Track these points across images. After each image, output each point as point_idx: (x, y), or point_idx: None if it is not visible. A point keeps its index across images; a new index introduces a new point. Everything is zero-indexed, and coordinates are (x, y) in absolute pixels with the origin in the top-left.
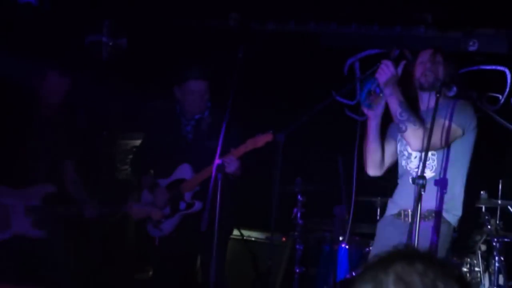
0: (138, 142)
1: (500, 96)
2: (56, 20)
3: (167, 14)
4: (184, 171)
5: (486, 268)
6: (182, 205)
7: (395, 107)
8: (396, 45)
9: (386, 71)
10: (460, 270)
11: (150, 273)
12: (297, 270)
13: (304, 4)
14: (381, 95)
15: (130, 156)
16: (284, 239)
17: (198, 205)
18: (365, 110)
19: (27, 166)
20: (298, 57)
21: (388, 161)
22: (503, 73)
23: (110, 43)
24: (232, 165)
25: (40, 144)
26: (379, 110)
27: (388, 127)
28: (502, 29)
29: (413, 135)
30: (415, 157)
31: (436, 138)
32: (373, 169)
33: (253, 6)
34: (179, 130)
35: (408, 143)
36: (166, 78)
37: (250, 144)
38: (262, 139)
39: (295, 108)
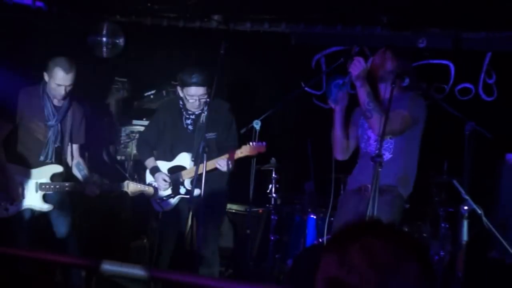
0: (136, 128)
1: (446, 86)
2: (62, 22)
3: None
4: (184, 159)
5: (434, 234)
6: (182, 190)
7: (364, 97)
8: (357, 43)
9: (358, 66)
10: (417, 239)
11: (145, 241)
12: (272, 238)
13: (277, 7)
14: (346, 89)
15: (128, 140)
16: (260, 211)
17: (196, 192)
18: (332, 105)
19: (39, 149)
20: (271, 53)
21: (352, 145)
22: (448, 66)
23: (109, 42)
24: (227, 167)
25: (50, 130)
26: (344, 104)
27: (351, 115)
28: (446, 29)
29: (377, 122)
30: (374, 141)
31: (395, 125)
32: (341, 154)
33: (233, 9)
34: (181, 122)
35: (372, 129)
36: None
37: (245, 151)
38: (256, 150)
39: (269, 98)
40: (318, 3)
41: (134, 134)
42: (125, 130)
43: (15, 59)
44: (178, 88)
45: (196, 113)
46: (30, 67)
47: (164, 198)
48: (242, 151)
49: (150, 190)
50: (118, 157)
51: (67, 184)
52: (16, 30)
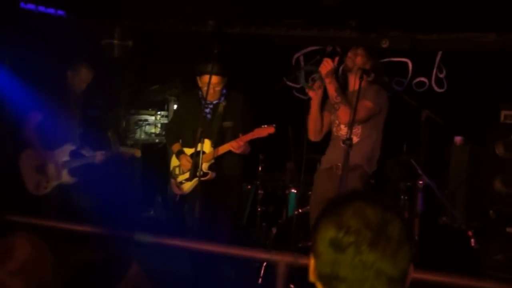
0: (142, 116)
1: (404, 80)
2: (80, 27)
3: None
4: (203, 145)
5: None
6: (199, 172)
7: (332, 92)
8: (330, 43)
9: (327, 66)
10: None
11: (152, 212)
12: (259, 209)
13: (262, 14)
14: (321, 82)
15: (136, 127)
16: (249, 186)
17: (212, 175)
18: (310, 92)
19: (60, 134)
20: (258, 53)
21: (325, 129)
22: (406, 63)
23: (120, 44)
24: (240, 149)
25: (69, 119)
26: (319, 92)
27: (325, 104)
28: (405, 31)
29: (343, 113)
30: (344, 126)
31: (361, 114)
32: (315, 136)
33: (224, 16)
34: (200, 111)
35: (340, 118)
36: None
37: (256, 133)
38: (266, 130)
39: (256, 91)
40: (297, 10)
41: (141, 122)
42: (133, 119)
43: (40, 59)
44: (196, 78)
45: (214, 102)
46: (53, 66)
47: (183, 181)
48: (254, 134)
49: (137, 152)
50: (128, 142)
51: (82, 159)
52: (41, 35)
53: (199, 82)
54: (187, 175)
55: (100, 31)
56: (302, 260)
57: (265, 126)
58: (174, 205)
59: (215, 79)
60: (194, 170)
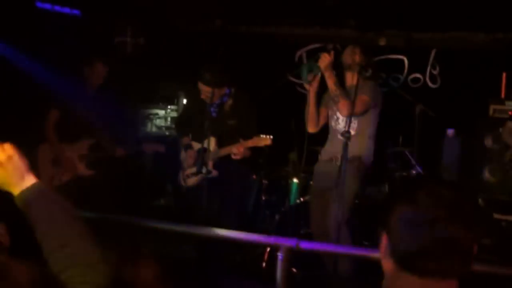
0: (153, 111)
1: (400, 76)
2: (94, 25)
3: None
4: (209, 142)
5: None
6: (204, 169)
7: (332, 85)
8: (331, 41)
9: (325, 60)
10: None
11: (162, 201)
12: (263, 198)
13: (266, 13)
14: (318, 75)
15: (147, 121)
16: (254, 176)
17: (214, 173)
18: (307, 86)
19: (78, 128)
20: (262, 50)
21: (321, 122)
22: (402, 60)
23: (132, 42)
24: (240, 155)
25: (85, 113)
26: (315, 85)
27: (321, 98)
28: (401, 30)
29: (343, 105)
30: (342, 120)
31: (358, 108)
32: (312, 127)
33: (231, 15)
34: (206, 109)
35: (339, 111)
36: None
37: (255, 142)
38: (264, 141)
39: (261, 86)
40: (300, 10)
41: (152, 116)
42: (144, 113)
43: (56, 57)
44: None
45: (217, 102)
46: (69, 63)
47: (190, 175)
48: (253, 142)
49: (161, 148)
50: (140, 135)
51: (99, 152)
52: (57, 33)
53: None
54: (193, 169)
55: (113, 29)
56: (303, 245)
57: (264, 136)
58: (182, 195)
59: (205, 87)
60: (199, 167)
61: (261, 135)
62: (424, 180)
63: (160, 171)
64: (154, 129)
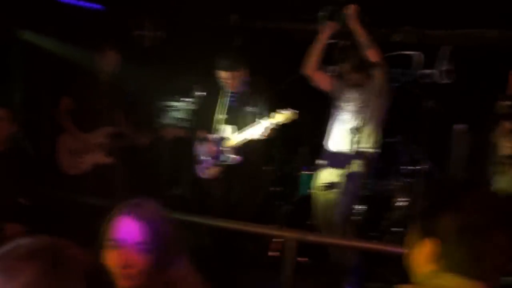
0: (169, 103)
1: (412, 72)
2: (115, 19)
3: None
4: (226, 131)
5: (399, 186)
6: (222, 158)
7: (361, 31)
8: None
9: (352, 8)
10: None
11: (178, 190)
12: (273, 189)
13: (281, 9)
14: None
15: (162, 113)
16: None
17: (236, 159)
18: (321, 27)
19: (94, 117)
20: (277, 46)
21: (319, 74)
22: (412, 56)
23: (150, 35)
24: (265, 134)
25: (100, 101)
26: (329, 33)
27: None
28: (414, 27)
29: (373, 52)
30: (348, 112)
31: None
32: (309, 68)
33: (247, 10)
34: (224, 99)
35: (370, 57)
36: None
37: (280, 118)
38: (291, 116)
39: (275, 81)
40: (314, 6)
41: (167, 108)
42: (160, 105)
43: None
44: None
45: (237, 91)
46: (87, 55)
47: (209, 166)
48: (278, 118)
49: (181, 132)
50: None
51: (119, 140)
52: (80, 25)
53: (218, 75)
54: (211, 160)
55: (133, 22)
56: (309, 237)
57: (287, 111)
58: (199, 186)
59: (225, 74)
60: (219, 155)
61: (286, 110)
62: (466, 185)
63: (176, 161)
64: (169, 121)
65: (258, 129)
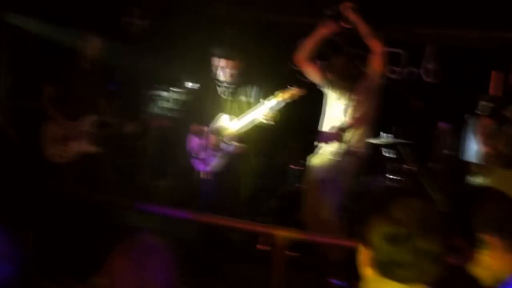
0: (157, 92)
1: (397, 69)
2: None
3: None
4: (223, 121)
5: (386, 182)
6: (225, 147)
7: (363, 24)
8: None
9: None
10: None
11: (163, 182)
12: (261, 181)
13: (270, 2)
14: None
15: (151, 102)
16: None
17: (240, 147)
18: (322, 23)
19: (77, 104)
20: (265, 37)
21: (309, 70)
22: (399, 53)
23: (138, 23)
24: (269, 116)
25: (83, 89)
26: (329, 30)
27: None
28: (399, 25)
29: (376, 42)
30: (339, 110)
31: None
32: (299, 58)
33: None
34: (219, 90)
35: (373, 47)
36: None
37: (286, 95)
38: (297, 92)
39: (264, 73)
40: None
41: (155, 97)
42: (148, 94)
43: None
44: (212, 59)
45: (231, 82)
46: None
47: (209, 158)
48: (283, 95)
49: (166, 122)
50: (144, 116)
51: (105, 128)
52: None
53: (213, 62)
54: (212, 151)
55: (121, 10)
56: (296, 234)
57: (292, 88)
58: (197, 181)
59: (225, 62)
60: (219, 145)
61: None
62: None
63: (163, 152)
64: (156, 110)
65: (261, 111)
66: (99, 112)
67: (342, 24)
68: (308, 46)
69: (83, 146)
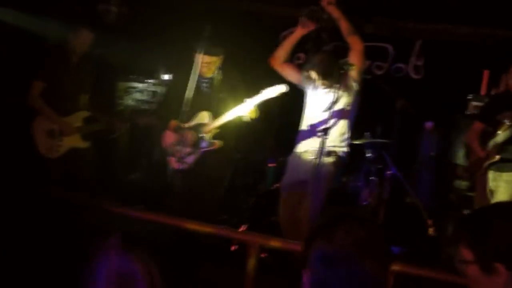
0: (132, 84)
1: (384, 65)
2: None
3: None
4: (204, 117)
5: (366, 183)
6: (204, 144)
7: (345, 21)
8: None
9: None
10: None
11: (137, 175)
12: (238, 179)
13: None
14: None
15: (125, 94)
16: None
17: (218, 144)
18: (300, 23)
19: (67, 99)
20: (247, 29)
21: (286, 72)
22: (387, 48)
23: (116, 11)
24: (252, 113)
25: (73, 83)
26: (305, 31)
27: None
28: (387, 18)
29: (356, 39)
30: (318, 109)
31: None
32: (275, 62)
33: None
34: (198, 86)
35: (353, 44)
36: None
37: (266, 94)
38: (279, 90)
39: (240, 69)
40: None
41: (130, 89)
42: (123, 85)
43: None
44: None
45: (209, 77)
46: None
47: (186, 155)
48: (264, 94)
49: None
50: (120, 108)
51: (95, 124)
52: None
53: (195, 58)
54: (189, 148)
55: None
56: (272, 242)
57: (277, 86)
58: (171, 179)
59: (207, 58)
60: (198, 142)
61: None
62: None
63: (136, 146)
64: (131, 102)
65: (243, 109)
66: (88, 107)
67: (320, 23)
68: (284, 48)
69: (76, 142)
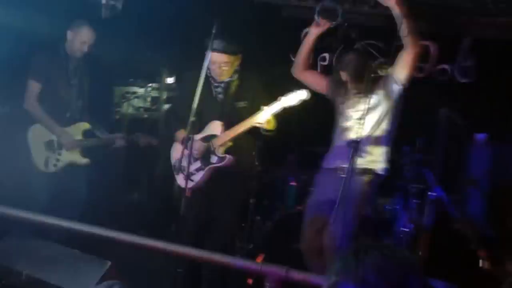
0: (131, 89)
1: (425, 66)
2: None
3: None
4: (215, 128)
5: (405, 207)
6: (214, 159)
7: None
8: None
9: None
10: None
11: (135, 195)
12: (251, 201)
13: None
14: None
15: (123, 100)
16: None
17: (230, 159)
18: (313, 27)
19: (65, 107)
20: (265, 25)
21: (310, 81)
22: (428, 46)
23: (108, 4)
24: (269, 124)
25: (73, 88)
26: (320, 30)
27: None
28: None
29: (415, 40)
30: (352, 119)
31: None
32: (297, 71)
33: None
34: (210, 91)
35: (411, 46)
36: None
37: (284, 102)
38: (299, 97)
39: (258, 68)
40: None
41: (128, 95)
42: (120, 91)
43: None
44: (206, 55)
45: (226, 81)
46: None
47: (194, 171)
48: (284, 101)
49: (155, 141)
50: (116, 117)
51: (96, 139)
52: None
53: (207, 59)
54: (198, 163)
55: None
56: (293, 275)
57: (297, 91)
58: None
59: (222, 57)
60: (208, 156)
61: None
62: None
63: (136, 163)
64: (130, 110)
65: (260, 118)
66: (87, 117)
67: (335, 20)
68: (302, 53)
69: (76, 157)
